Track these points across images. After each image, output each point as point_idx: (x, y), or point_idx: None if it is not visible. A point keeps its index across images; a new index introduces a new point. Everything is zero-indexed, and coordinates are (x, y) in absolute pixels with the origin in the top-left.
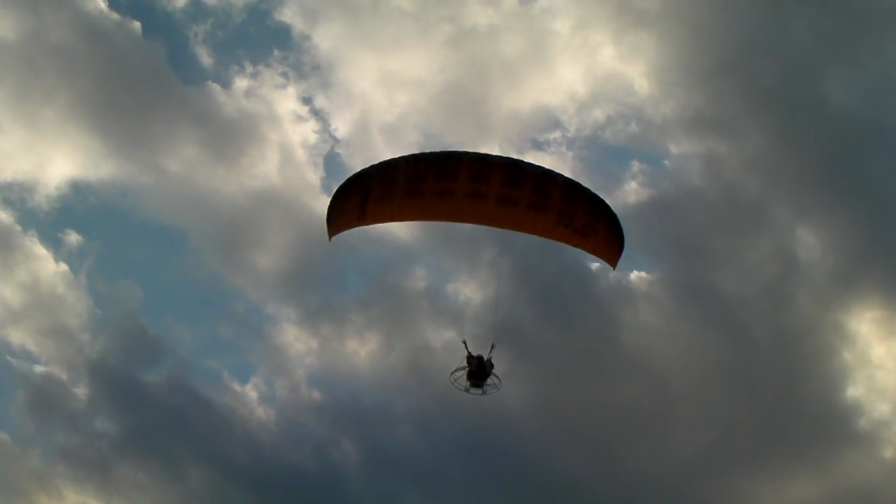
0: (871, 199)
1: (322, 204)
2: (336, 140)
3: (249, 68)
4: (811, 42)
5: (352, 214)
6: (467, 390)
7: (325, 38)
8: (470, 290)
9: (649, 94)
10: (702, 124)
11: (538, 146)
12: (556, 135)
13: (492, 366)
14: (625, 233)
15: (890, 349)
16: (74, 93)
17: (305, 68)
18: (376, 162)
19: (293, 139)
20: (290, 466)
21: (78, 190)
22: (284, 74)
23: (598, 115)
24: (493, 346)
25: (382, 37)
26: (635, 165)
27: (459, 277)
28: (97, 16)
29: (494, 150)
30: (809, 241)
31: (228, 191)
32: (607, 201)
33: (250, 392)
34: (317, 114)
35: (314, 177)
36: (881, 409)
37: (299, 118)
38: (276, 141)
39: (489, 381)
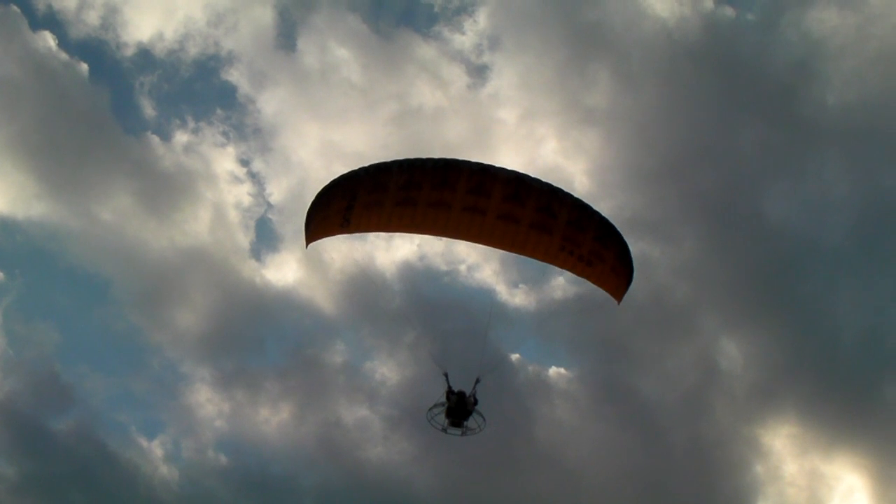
0: (798, 316)
1: (250, 268)
2: (270, 205)
3: (191, 123)
4: (754, 154)
5: (335, 220)
6: (445, 430)
7: (270, 103)
8: (387, 370)
9: (588, 191)
10: (637, 226)
11: None
12: None
13: (475, 402)
14: (634, 266)
15: (802, 466)
16: (14, 128)
17: (247, 130)
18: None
19: (227, 199)
20: None
21: (5, 226)
22: (225, 134)
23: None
24: (477, 381)
25: (328, 107)
26: None
27: (378, 356)
28: (46, 53)
29: (425, 237)
30: (732, 353)
31: (157, 245)
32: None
33: (156, 449)
34: (253, 177)
35: (244, 240)
36: None
37: (236, 179)
38: (210, 199)
39: (470, 420)
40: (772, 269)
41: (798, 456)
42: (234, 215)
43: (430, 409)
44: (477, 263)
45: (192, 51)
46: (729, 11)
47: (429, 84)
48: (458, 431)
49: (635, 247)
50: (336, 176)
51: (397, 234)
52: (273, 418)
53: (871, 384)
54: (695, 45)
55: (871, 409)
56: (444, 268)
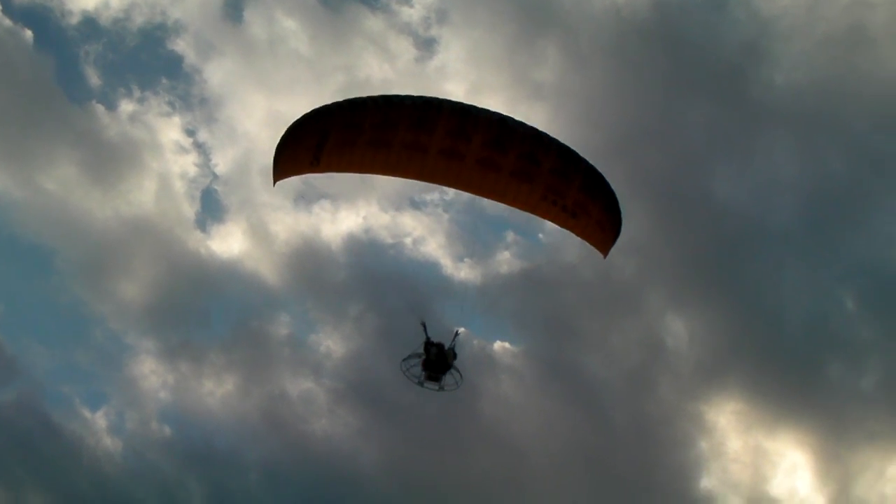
0: (744, 296)
1: (195, 239)
2: (215, 176)
3: (137, 93)
4: (703, 134)
5: (304, 158)
6: (421, 383)
7: (217, 73)
8: (332, 343)
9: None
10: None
11: (415, 205)
12: (435, 196)
13: (454, 356)
14: (623, 217)
15: (746, 443)
16: None
17: (193, 100)
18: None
19: (173, 170)
20: (133, 502)
21: None
22: (171, 104)
23: None
24: (456, 334)
25: (274, 78)
26: (510, 236)
27: (323, 329)
28: None
29: (373, 208)
30: (678, 331)
31: (102, 215)
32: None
33: (100, 421)
34: (199, 147)
35: (189, 210)
36: (733, 502)
37: (181, 149)
38: (155, 170)
39: (448, 375)
40: (719, 249)
41: (742, 433)
42: (179, 186)
43: (405, 359)
44: (422, 237)
45: (138, 20)
46: None
47: (376, 56)
48: (435, 386)
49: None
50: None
51: (345, 204)
52: (217, 390)
53: (814, 364)
54: (644, 23)
55: (815, 387)
56: (389, 241)
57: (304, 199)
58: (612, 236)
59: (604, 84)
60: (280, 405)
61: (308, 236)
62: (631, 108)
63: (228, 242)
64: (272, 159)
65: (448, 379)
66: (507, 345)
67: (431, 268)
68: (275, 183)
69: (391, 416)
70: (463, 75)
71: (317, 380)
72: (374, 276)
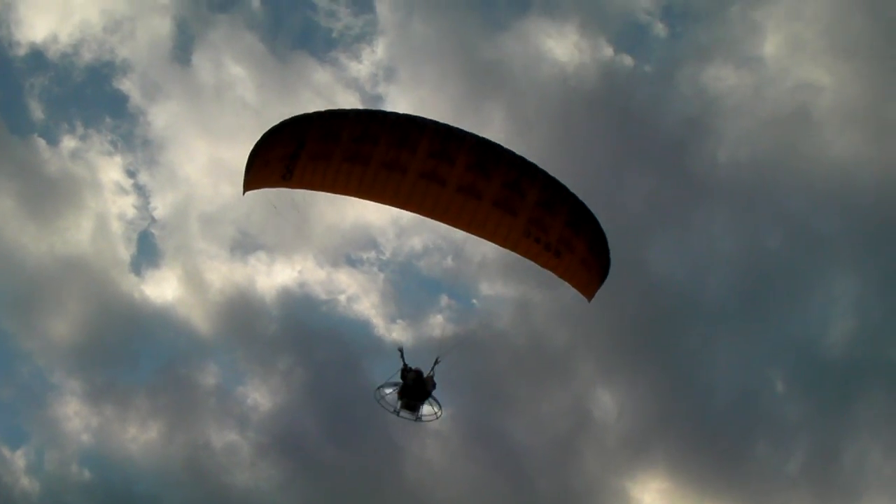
0: (675, 371)
1: (129, 282)
2: (153, 220)
3: (80, 130)
4: (642, 205)
5: (276, 169)
6: (397, 412)
7: (161, 115)
8: (259, 396)
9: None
10: (520, 269)
11: (351, 262)
12: (371, 254)
13: (434, 385)
14: (611, 257)
15: None
16: None
17: (136, 141)
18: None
19: (111, 210)
20: None
21: None
22: (113, 143)
23: (417, 243)
24: (436, 362)
25: (219, 124)
26: (444, 299)
27: (252, 381)
28: None
29: (309, 262)
30: (606, 402)
31: (36, 250)
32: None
33: (18, 460)
34: (139, 189)
35: (125, 252)
36: None
37: (121, 190)
38: (93, 209)
39: (425, 406)
40: (652, 322)
41: None
42: (116, 227)
43: (380, 387)
44: (356, 295)
45: (86, 56)
46: (627, 61)
47: (322, 109)
48: (411, 416)
49: (517, 288)
50: (224, 196)
51: (281, 256)
52: (141, 436)
53: (741, 443)
54: (591, 93)
55: (741, 467)
56: (323, 296)
57: (241, 249)
58: (599, 277)
59: (548, 150)
60: (203, 455)
61: (242, 287)
62: (573, 174)
63: (162, 287)
64: (244, 165)
65: (425, 409)
66: (434, 408)
67: (363, 326)
68: (245, 192)
69: (314, 472)
70: None
71: (242, 432)
72: (305, 331)
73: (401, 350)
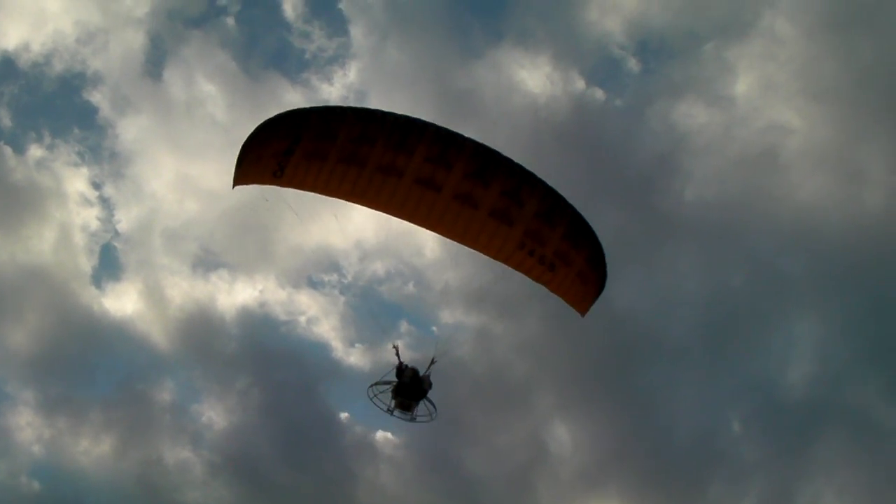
0: (634, 408)
1: (89, 294)
2: (117, 233)
3: (48, 139)
4: (608, 240)
5: (268, 165)
6: (391, 412)
7: (130, 129)
8: (215, 414)
9: (438, 258)
10: (482, 300)
11: (312, 284)
12: (333, 277)
13: (430, 385)
14: (608, 272)
15: None
16: None
17: (103, 153)
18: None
19: (75, 221)
20: None
21: None
22: (80, 154)
23: (379, 268)
24: (433, 362)
25: (187, 141)
26: (404, 325)
27: (207, 399)
28: None
29: (270, 282)
30: (563, 436)
31: None
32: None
33: None
34: (104, 201)
35: (87, 265)
36: None
37: (86, 201)
38: (57, 219)
39: (421, 404)
40: (614, 356)
41: None
42: (79, 238)
43: (375, 384)
44: (316, 317)
45: (58, 66)
46: (599, 94)
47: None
48: (406, 416)
49: (478, 318)
50: (189, 213)
51: (242, 275)
52: (93, 449)
53: (698, 481)
54: (561, 125)
55: None
56: (283, 317)
57: (203, 266)
58: (595, 291)
59: None
60: (155, 471)
61: (203, 304)
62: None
63: (122, 301)
64: (236, 158)
65: (421, 409)
66: (389, 434)
67: (322, 349)
68: (234, 186)
69: (267, 494)
70: None
71: (195, 450)
72: (264, 351)
73: (396, 347)
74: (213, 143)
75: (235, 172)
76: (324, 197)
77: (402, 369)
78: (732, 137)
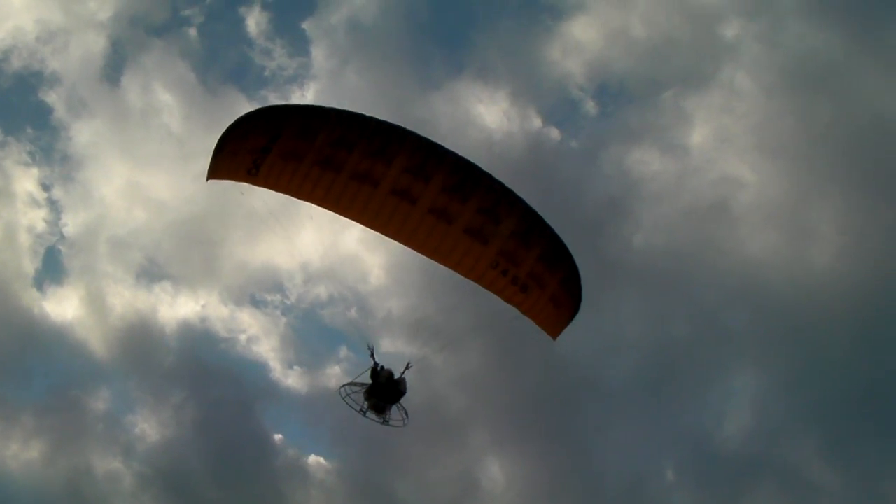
0: (568, 450)
1: (30, 296)
2: (62, 236)
3: None
4: None
5: (243, 161)
6: (364, 412)
7: (84, 132)
8: (148, 426)
9: (383, 286)
10: (423, 330)
11: (255, 303)
12: (276, 297)
13: (405, 389)
14: (583, 296)
15: None
16: None
17: (55, 155)
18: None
19: (21, 221)
20: None
21: None
22: (32, 154)
23: (322, 291)
24: (407, 366)
25: (141, 149)
26: (343, 351)
27: (142, 411)
28: None
29: (213, 298)
30: (495, 473)
31: None
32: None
33: None
34: (52, 203)
35: (30, 266)
36: None
37: (34, 202)
38: (3, 218)
39: (395, 408)
40: (552, 398)
41: None
42: (24, 239)
43: (347, 384)
44: (257, 336)
45: (15, 63)
46: (555, 134)
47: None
48: (379, 419)
49: (420, 349)
50: (136, 221)
51: (186, 289)
52: (23, 454)
53: None
54: (515, 162)
55: None
56: (223, 334)
57: (147, 277)
58: (568, 315)
59: None
60: (83, 480)
61: (144, 315)
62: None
63: (63, 306)
64: (212, 150)
65: (394, 413)
66: (321, 460)
67: (260, 369)
68: (208, 179)
69: None
70: None
71: (125, 461)
72: (201, 366)
73: (371, 349)
74: (166, 154)
75: (210, 164)
76: (287, 208)
77: (377, 371)
78: (685, 187)
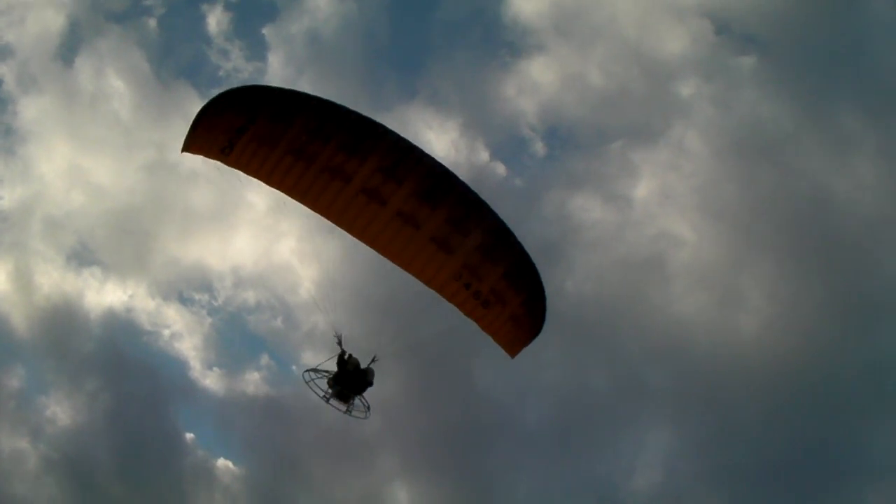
0: (476, 484)
1: None
2: None
3: None
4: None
5: (219, 138)
6: (327, 399)
7: (31, 108)
8: (60, 410)
9: (312, 300)
10: (346, 348)
11: (183, 300)
12: (204, 297)
13: (373, 380)
14: (546, 316)
15: None
16: None
17: None
18: None
19: None
20: None
21: None
22: None
23: (251, 297)
24: (374, 360)
25: (86, 133)
26: (265, 359)
27: (55, 394)
28: None
29: (141, 290)
30: (401, 500)
31: None
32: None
33: None
34: None
35: None
36: None
37: None
38: None
39: (360, 399)
40: (465, 433)
41: None
42: None
43: (311, 370)
44: (180, 333)
45: None
46: (500, 170)
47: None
48: (342, 407)
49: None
50: (74, 204)
51: (115, 277)
52: None
53: None
54: None
55: None
56: (147, 327)
57: (78, 260)
58: (528, 336)
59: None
60: None
61: (70, 298)
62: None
63: None
64: (191, 122)
65: (358, 404)
66: (230, 464)
67: (180, 366)
68: (183, 151)
69: (96, 501)
70: (270, 190)
71: (33, 442)
72: (121, 357)
73: (339, 337)
74: (112, 140)
75: (187, 137)
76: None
77: (344, 359)
78: (622, 238)
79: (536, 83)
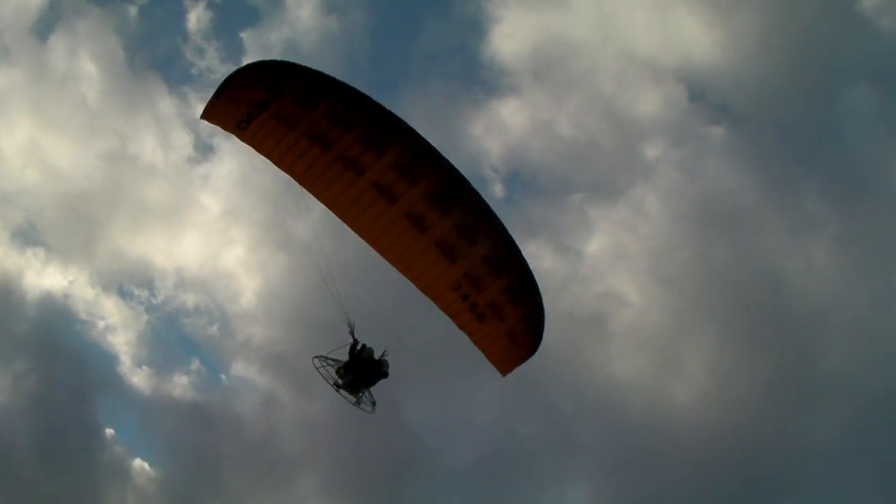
0: None
1: None
2: None
3: None
4: (421, 350)
5: (237, 113)
6: (338, 388)
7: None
8: None
9: (251, 310)
10: (279, 364)
11: (122, 293)
12: (144, 293)
13: (388, 371)
14: (543, 335)
15: None
16: None
17: None
18: None
19: None
20: None
21: None
22: None
23: (190, 300)
24: (384, 353)
25: (50, 112)
26: (196, 363)
27: None
28: None
29: (82, 277)
30: None
31: None
32: None
33: None
34: None
35: None
36: None
37: None
38: None
39: (366, 393)
40: (390, 460)
41: None
42: None
43: (320, 357)
44: (114, 327)
45: None
46: None
47: (154, 139)
48: (351, 398)
49: (270, 381)
50: (27, 181)
51: (58, 261)
52: None
53: None
54: None
55: None
56: (82, 316)
57: (22, 239)
58: (524, 353)
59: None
60: None
61: (9, 275)
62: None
63: None
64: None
65: (366, 397)
66: (146, 465)
67: (109, 360)
68: (202, 117)
69: (7, 485)
70: (224, 196)
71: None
72: (53, 342)
73: (351, 326)
74: (76, 123)
75: (208, 104)
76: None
77: (356, 349)
78: (568, 291)
79: (505, 124)
